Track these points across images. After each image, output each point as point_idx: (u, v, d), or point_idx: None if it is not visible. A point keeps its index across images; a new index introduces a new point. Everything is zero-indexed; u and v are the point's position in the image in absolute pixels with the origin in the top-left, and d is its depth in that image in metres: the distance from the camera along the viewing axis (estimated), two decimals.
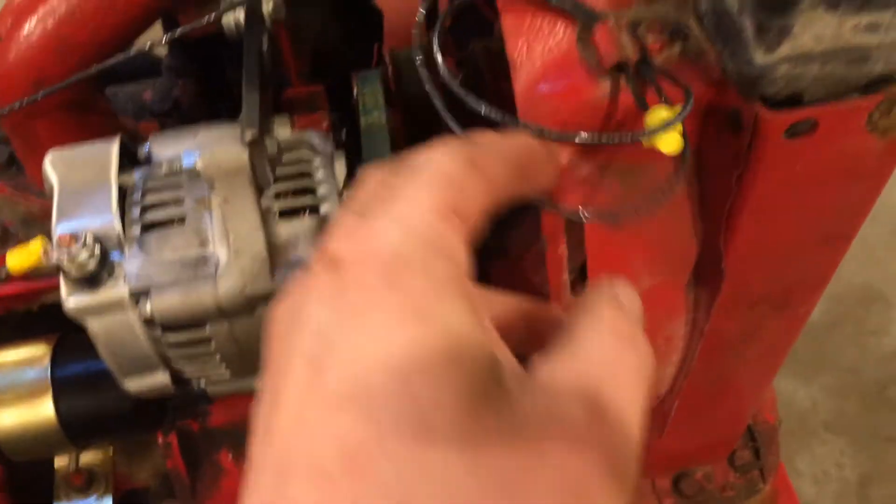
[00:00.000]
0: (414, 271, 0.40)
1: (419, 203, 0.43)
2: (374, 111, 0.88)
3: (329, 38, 1.11)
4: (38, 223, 0.97)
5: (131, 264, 0.66)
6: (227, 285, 0.66)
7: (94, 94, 0.89)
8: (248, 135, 0.63)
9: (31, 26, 0.77)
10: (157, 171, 0.71)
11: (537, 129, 0.61)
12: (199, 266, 0.67)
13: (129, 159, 0.73)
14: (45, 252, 0.64)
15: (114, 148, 0.71)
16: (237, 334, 0.69)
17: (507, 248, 1.12)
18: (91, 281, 0.65)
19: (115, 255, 0.66)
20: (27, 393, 0.83)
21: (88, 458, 0.98)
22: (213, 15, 0.77)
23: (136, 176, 0.71)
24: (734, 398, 0.95)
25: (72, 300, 0.66)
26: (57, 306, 0.97)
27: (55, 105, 0.83)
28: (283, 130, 0.72)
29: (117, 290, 0.66)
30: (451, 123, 0.62)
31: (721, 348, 0.80)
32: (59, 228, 0.66)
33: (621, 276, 0.71)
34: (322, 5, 1.05)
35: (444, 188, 0.45)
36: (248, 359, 0.72)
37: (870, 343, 2.10)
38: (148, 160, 0.73)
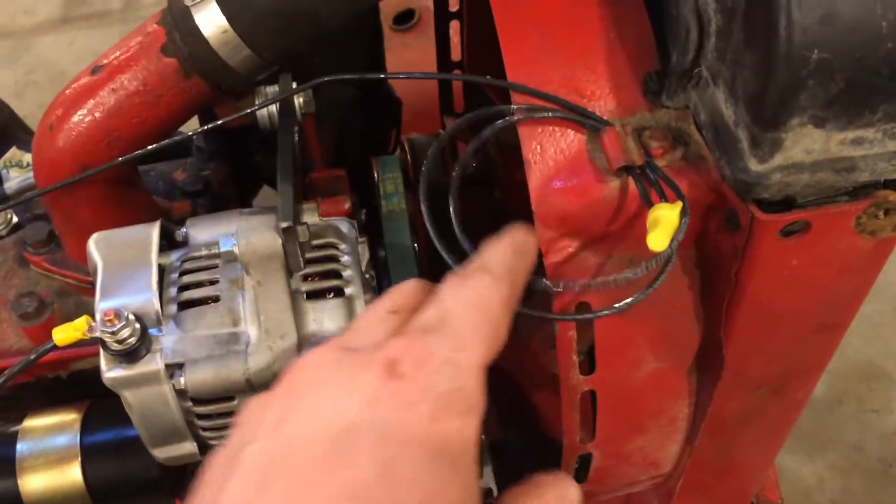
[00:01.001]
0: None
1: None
2: (394, 197, 0.93)
3: (351, 126, 1.18)
4: (73, 296, 1.02)
5: (168, 340, 0.71)
6: (256, 361, 0.70)
7: (131, 174, 0.95)
8: (283, 224, 0.68)
9: (80, 117, 0.83)
10: (195, 253, 0.76)
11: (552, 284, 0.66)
12: (231, 343, 0.71)
13: (167, 241, 0.79)
14: (90, 328, 0.69)
15: (154, 231, 0.76)
16: None
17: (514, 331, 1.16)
18: (130, 355, 0.69)
19: (153, 331, 0.71)
20: (57, 458, 0.87)
21: None
22: (249, 110, 0.83)
23: (173, 257, 0.76)
24: (737, 477, 0.98)
25: (111, 373, 0.70)
26: (85, 374, 1.02)
27: (96, 184, 0.89)
28: (311, 217, 0.77)
29: (154, 364, 0.70)
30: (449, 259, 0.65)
31: (723, 429, 0.84)
32: (102, 305, 0.71)
33: (628, 358, 0.76)
34: (346, 95, 1.12)
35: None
36: None
37: (873, 421, 2.11)
38: (185, 242, 0.78)
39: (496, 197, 1.12)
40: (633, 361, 0.75)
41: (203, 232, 0.78)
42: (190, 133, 0.84)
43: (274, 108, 0.86)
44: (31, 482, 0.87)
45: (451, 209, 0.65)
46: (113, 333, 0.67)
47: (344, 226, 0.79)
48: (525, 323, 0.96)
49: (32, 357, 0.74)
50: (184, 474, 0.95)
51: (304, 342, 0.71)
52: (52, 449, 0.88)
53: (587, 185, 0.69)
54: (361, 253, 0.78)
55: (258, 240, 0.69)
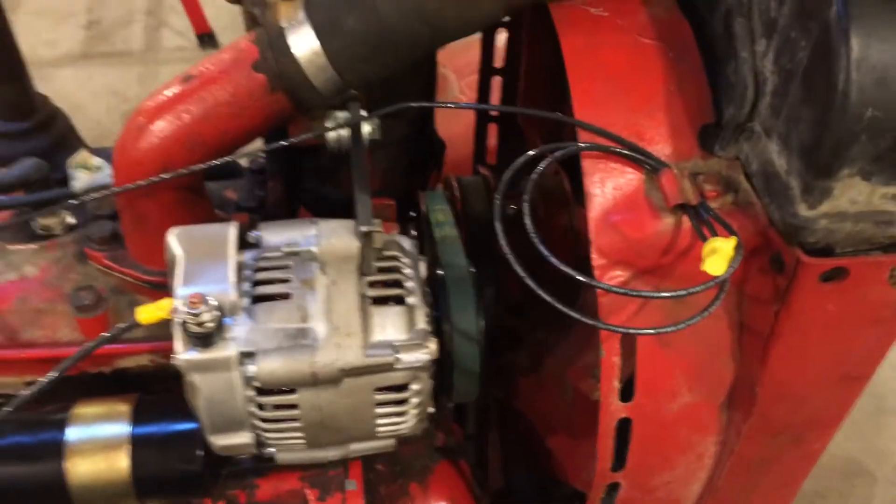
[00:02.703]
0: None
1: None
2: (445, 225, 0.99)
3: (399, 160, 1.24)
4: (128, 294, 1.06)
5: (240, 329, 0.76)
6: (323, 356, 0.75)
7: (201, 184, 1.01)
8: (363, 229, 0.73)
9: (168, 121, 0.89)
10: (268, 253, 0.81)
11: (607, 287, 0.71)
12: (300, 337, 0.76)
13: (239, 242, 0.84)
14: (174, 309, 0.73)
15: (233, 229, 0.82)
16: (322, 403, 0.78)
17: (537, 366, 1.21)
18: (205, 339, 0.74)
19: (227, 320, 0.75)
20: (105, 445, 0.90)
21: None
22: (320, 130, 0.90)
23: (247, 256, 0.81)
24: None
25: (185, 355, 0.74)
26: (128, 372, 1.05)
27: (171, 189, 0.94)
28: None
29: (227, 350, 0.74)
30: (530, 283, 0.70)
31: (745, 473, 0.88)
32: (182, 291, 0.76)
33: (665, 388, 0.81)
34: (399, 131, 1.19)
35: None
36: (323, 429, 0.80)
37: None
38: (256, 245, 0.83)
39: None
40: (669, 392, 0.80)
41: (275, 235, 0.83)
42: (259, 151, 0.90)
43: (343, 131, 0.93)
44: (78, 466, 0.90)
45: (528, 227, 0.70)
46: (195, 316, 0.72)
47: (406, 242, 0.84)
48: (562, 355, 1.01)
49: (109, 336, 0.78)
50: (219, 474, 0.98)
51: (368, 343, 0.76)
52: (101, 436, 0.91)
53: (643, 219, 0.75)
54: (422, 270, 0.83)
55: (338, 241, 0.75)
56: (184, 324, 0.73)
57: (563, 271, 0.67)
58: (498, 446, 1.39)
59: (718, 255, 0.65)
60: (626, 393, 0.79)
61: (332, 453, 0.86)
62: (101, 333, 1.02)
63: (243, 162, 1.30)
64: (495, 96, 1.45)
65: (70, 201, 1.03)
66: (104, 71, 2.73)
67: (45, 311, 1.04)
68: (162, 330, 1.01)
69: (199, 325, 0.73)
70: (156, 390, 1.00)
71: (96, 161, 1.12)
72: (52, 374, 0.77)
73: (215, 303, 0.73)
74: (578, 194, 1.00)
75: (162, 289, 1.02)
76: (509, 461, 1.38)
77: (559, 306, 0.65)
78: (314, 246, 0.75)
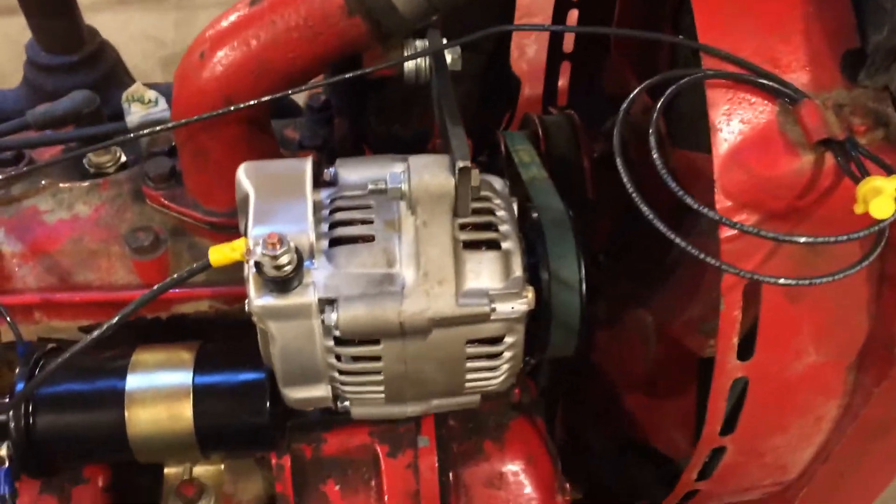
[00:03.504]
0: None
1: None
2: (532, 166, 0.91)
3: (472, 96, 1.16)
4: (188, 236, 0.99)
5: (320, 274, 0.68)
6: (412, 305, 0.68)
7: (266, 118, 0.93)
8: (460, 164, 0.65)
9: (233, 47, 0.81)
10: (347, 192, 0.73)
11: (753, 229, 0.63)
12: (386, 283, 0.68)
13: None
14: (248, 250, 0.66)
15: (308, 165, 0.74)
16: (407, 356, 0.71)
17: (616, 319, 1.13)
18: (282, 284, 0.67)
19: (306, 264, 0.68)
20: (167, 395, 0.84)
21: (199, 471, 0.98)
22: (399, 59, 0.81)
23: (323, 195, 0.74)
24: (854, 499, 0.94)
25: (260, 301, 0.67)
26: (185, 318, 0.99)
27: (235, 122, 0.87)
28: None
29: (306, 296, 0.67)
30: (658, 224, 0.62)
31: (864, 437, 0.80)
32: (256, 231, 0.68)
33: (790, 346, 0.72)
34: (476, 64, 1.10)
35: None
36: (407, 383, 0.73)
37: None
38: (333, 183, 0.76)
39: None
40: (794, 350, 0.72)
41: (354, 173, 0.75)
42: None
43: (422, 62, 0.84)
44: (139, 415, 0.84)
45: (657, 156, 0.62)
46: (273, 258, 0.65)
47: (498, 183, 0.76)
48: (659, 308, 0.93)
49: (178, 277, 0.71)
50: (285, 427, 0.92)
51: (460, 291, 0.69)
52: (163, 385, 0.85)
53: (777, 156, 0.66)
54: (516, 211, 0.75)
55: (431, 178, 0.67)
56: (259, 267, 0.66)
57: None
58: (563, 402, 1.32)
59: (884, 196, 0.56)
60: (745, 351, 0.71)
61: (411, 409, 0.79)
62: (158, 277, 0.97)
63: (299, 101, 1.22)
64: (567, 43, 1.35)
65: (124, 137, 0.96)
66: (141, 16, 2.68)
67: (100, 253, 0.98)
68: (225, 274, 0.95)
69: (277, 268, 0.65)
70: (214, 338, 0.94)
71: (151, 94, 1.05)
72: (115, 319, 0.71)
73: (294, 245, 0.66)
74: (674, 134, 0.91)
75: (224, 230, 0.95)
76: (579, 418, 1.31)
77: (694, 251, 0.57)
78: (402, 183, 0.67)
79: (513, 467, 0.99)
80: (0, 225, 1.00)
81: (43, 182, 1.02)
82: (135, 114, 1.03)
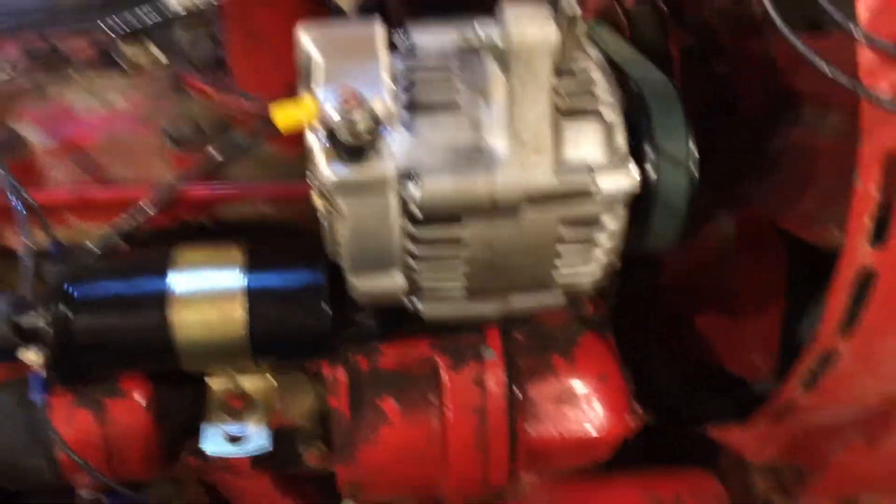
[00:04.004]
0: None
1: None
2: (622, 50, 0.81)
3: None
4: (231, 128, 0.91)
5: (399, 144, 0.60)
6: (506, 177, 0.59)
7: None
8: (569, 10, 0.56)
9: None
10: (423, 54, 0.65)
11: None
12: (473, 154, 0.60)
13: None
14: (322, 111, 0.58)
15: (377, 25, 0.65)
16: (494, 239, 0.62)
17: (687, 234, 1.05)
18: (356, 153, 0.58)
19: (383, 131, 0.60)
20: (216, 295, 0.77)
21: (246, 384, 0.91)
22: None
23: (397, 61, 0.65)
24: None
25: (333, 171, 0.59)
26: (232, 224, 0.91)
27: None
28: None
29: (384, 167, 0.59)
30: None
31: None
32: (326, 91, 0.60)
33: None
34: None
35: None
36: (490, 272, 0.65)
37: None
38: (408, 47, 0.67)
39: (717, 72, 0.99)
40: None
41: (429, 37, 0.66)
42: None
43: None
44: (185, 317, 0.77)
45: None
46: (349, 121, 0.56)
47: (592, 51, 0.67)
48: (775, 202, 0.84)
49: (242, 143, 0.63)
50: (340, 336, 0.85)
51: (560, 162, 0.60)
52: (212, 285, 0.77)
53: None
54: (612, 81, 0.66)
55: (533, 28, 0.57)
56: (331, 132, 0.58)
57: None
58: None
59: None
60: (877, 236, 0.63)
61: (490, 307, 0.71)
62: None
63: None
64: None
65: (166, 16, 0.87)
66: None
67: (138, 148, 0.90)
68: (277, 171, 0.87)
69: (353, 133, 0.57)
70: None
71: None
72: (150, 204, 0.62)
73: (371, 106, 0.57)
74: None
75: None
76: (640, 342, 1.24)
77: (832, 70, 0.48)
78: (499, 35, 0.58)
79: (584, 384, 0.91)
80: (32, 120, 0.92)
81: (76, 75, 0.94)
82: None
